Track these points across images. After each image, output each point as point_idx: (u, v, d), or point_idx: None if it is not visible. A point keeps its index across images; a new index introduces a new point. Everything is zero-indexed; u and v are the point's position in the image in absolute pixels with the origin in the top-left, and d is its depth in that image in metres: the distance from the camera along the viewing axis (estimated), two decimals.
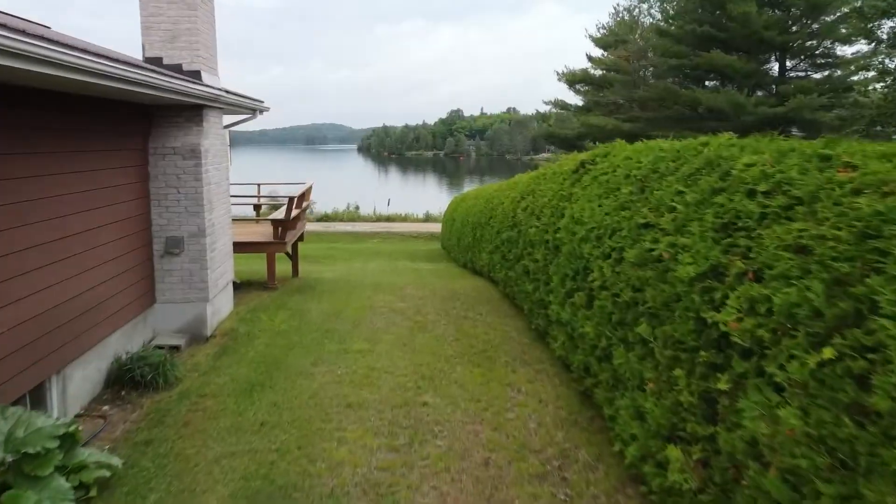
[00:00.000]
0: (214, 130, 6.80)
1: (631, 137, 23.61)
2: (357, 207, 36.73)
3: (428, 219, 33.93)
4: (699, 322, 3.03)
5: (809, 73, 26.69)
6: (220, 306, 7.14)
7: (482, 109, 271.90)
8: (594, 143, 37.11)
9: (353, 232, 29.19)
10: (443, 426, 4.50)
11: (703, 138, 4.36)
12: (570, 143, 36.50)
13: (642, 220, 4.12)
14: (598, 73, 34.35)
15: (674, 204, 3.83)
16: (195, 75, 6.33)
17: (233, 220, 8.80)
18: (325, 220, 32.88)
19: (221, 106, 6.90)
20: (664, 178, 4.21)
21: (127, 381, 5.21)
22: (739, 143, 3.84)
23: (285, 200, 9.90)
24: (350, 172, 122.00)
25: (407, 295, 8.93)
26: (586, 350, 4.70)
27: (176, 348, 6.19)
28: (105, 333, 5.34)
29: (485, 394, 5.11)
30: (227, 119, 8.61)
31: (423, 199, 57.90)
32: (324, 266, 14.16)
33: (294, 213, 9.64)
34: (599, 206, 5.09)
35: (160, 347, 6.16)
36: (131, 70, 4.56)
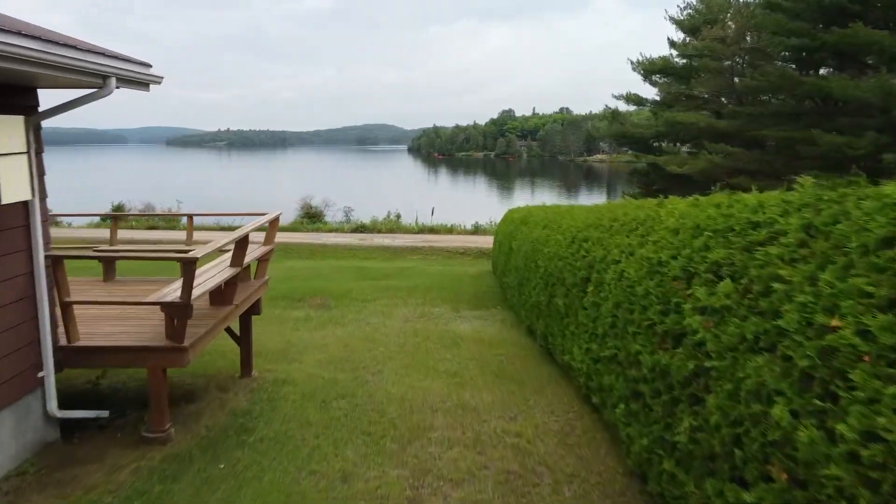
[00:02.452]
0: None
1: (728, 138, 18.02)
2: (398, 216, 32.60)
3: (477, 230, 29.33)
4: None
5: None
6: None
7: (534, 109, 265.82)
8: (675, 145, 31.58)
9: (391, 246, 24.89)
10: None
11: None
12: (644, 144, 31.21)
13: None
14: (682, 61, 28.86)
15: None
16: None
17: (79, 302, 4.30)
18: (362, 231, 28.76)
19: None
20: None
21: None
22: None
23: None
24: (397, 174, 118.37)
25: (429, 470, 4.24)
26: None
27: None
28: None
29: None
30: (51, 98, 4.14)
31: (472, 204, 53.42)
32: (320, 324, 9.60)
33: (222, 276, 5.11)
34: None
35: None
36: None
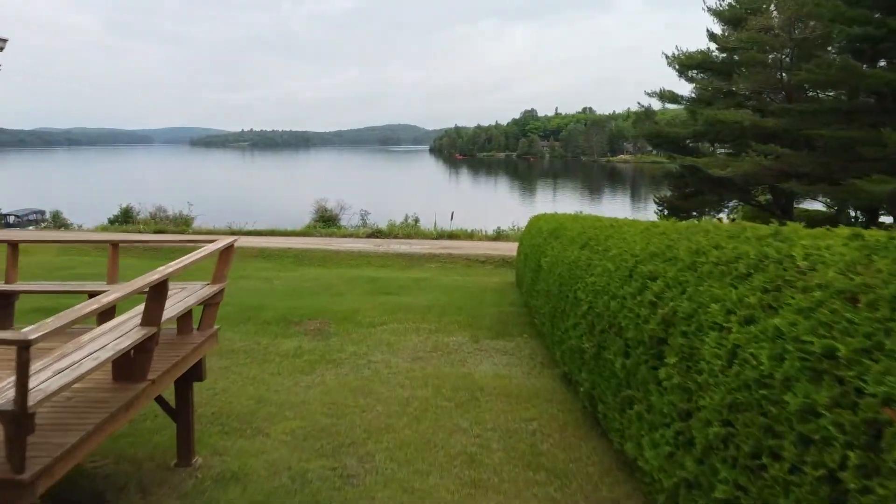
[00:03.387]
0: None
1: (775, 138, 15.39)
2: (416, 220, 31.04)
3: (499, 236, 27.56)
4: None
5: None
6: None
7: (556, 109, 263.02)
8: (712, 146, 29.38)
9: (408, 253, 23.25)
10: None
11: None
12: (678, 145, 29.11)
13: None
14: (722, 55, 26.69)
15: None
16: None
17: None
18: (378, 237, 27.22)
19: None
20: None
21: None
22: None
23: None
24: (417, 175, 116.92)
25: None
26: None
27: None
28: None
29: None
30: None
31: (494, 207, 51.63)
32: (309, 363, 7.86)
33: (126, 340, 3.40)
34: None
35: None
36: None
